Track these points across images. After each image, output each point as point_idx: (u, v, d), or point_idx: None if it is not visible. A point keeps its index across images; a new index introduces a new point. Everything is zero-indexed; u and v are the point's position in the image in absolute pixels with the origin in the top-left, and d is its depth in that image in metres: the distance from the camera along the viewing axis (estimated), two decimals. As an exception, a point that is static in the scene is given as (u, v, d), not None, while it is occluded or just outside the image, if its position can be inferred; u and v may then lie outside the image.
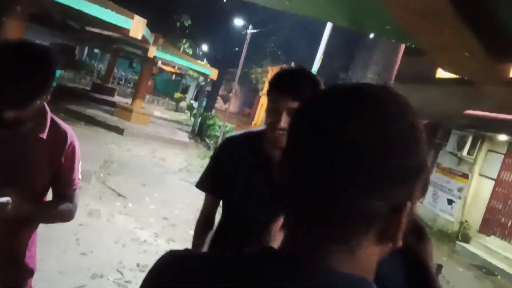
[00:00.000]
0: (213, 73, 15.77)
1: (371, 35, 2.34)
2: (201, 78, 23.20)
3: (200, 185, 1.85)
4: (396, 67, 5.71)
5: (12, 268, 1.59)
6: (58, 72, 16.35)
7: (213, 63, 18.61)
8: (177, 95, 30.09)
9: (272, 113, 1.56)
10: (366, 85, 0.62)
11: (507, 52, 1.71)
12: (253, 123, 28.73)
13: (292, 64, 23.78)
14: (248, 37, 12.56)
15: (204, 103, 19.35)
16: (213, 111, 19.73)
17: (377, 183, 0.55)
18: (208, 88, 20.63)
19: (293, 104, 1.51)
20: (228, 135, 1.88)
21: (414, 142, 0.58)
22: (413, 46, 2.14)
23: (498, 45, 1.65)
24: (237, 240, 1.61)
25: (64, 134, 1.57)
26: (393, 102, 0.60)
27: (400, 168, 0.56)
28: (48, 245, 3.96)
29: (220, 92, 25.46)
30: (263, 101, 29.00)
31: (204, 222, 1.87)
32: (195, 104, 22.75)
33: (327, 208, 0.57)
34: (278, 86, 1.58)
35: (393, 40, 2.46)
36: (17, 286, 1.62)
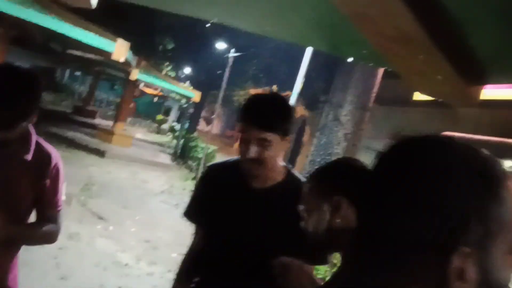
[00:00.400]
0: (196, 96, 15.84)
1: (349, 59, 2.43)
2: (184, 100, 23.24)
3: (187, 215, 1.81)
4: (375, 89, 5.85)
5: None
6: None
7: (195, 85, 18.71)
8: (159, 117, 30.02)
9: (242, 143, 1.53)
10: (431, 136, 0.67)
11: (477, 75, 1.80)
12: (235, 144, 28.78)
13: (274, 87, 24.03)
14: (230, 60, 12.71)
15: (186, 125, 19.35)
16: (196, 133, 19.73)
17: (419, 212, 0.58)
18: (191, 110, 20.67)
19: (262, 135, 1.48)
20: (209, 164, 1.87)
21: (474, 188, 0.59)
22: (389, 69, 2.23)
23: (469, 69, 1.74)
24: (217, 265, 1.62)
25: (48, 156, 1.59)
26: (459, 150, 0.63)
27: (443, 205, 0.58)
28: (28, 268, 3.89)
29: (203, 114, 25.53)
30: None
31: (193, 259, 1.79)
32: (178, 126, 22.73)
33: (379, 237, 0.62)
34: (247, 116, 1.53)
35: (370, 64, 2.56)
36: None
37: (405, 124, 12.46)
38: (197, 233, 1.82)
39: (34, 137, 1.56)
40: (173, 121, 32.52)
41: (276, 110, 1.53)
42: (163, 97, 33.84)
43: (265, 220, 1.58)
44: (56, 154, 1.63)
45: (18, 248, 1.62)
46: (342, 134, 5.80)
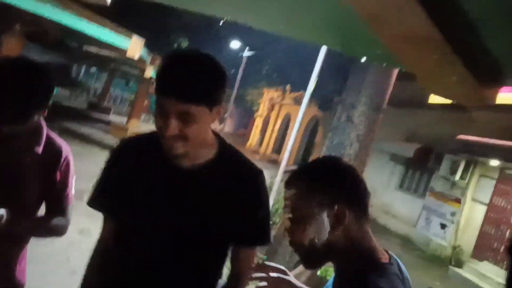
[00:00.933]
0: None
1: (363, 59, 2.40)
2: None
3: (92, 203, 1.45)
4: (389, 91, 5.79)
5: (2, 282, 1.59)
6: (56, 90, 16.44)
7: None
8: (173, 115, 30.15)
9: (159, 117, 1.21)
10: None
11: (492, 77, 1.77)
12: (247, 144, 28.81)
13: (287, 87, 23.98)
14: (244, 60, 12.72)
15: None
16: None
17: None
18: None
19: (184, 108, 1.17)
20: (123, 138, 1.52)
21: None
22: (403, 70, 2.21)
23: (484, 71, 1.71)
24: (133, 265, 1.35)
25: (59, 150, 1.60)
26: None
27: None
28: (38, 263, 3.93)
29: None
30: (258, 122, 29.12)
31: (102, 256, 1.47)
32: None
33: None
34: (164, 84, 1.20)
35: (384, 65, 2.54)
36: None
37: (420, 126, 12.36)
38: (106, 225, 1.49)
39: (45, 131, 1.57)
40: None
41: (201, 75, 1.19)
42: (177, 95, 33.99)
43: (195, 206, 1.32)
44: (67, 147, 1.64)
45: (27, 241, 1.64)
46: (355, 135, 5.75)
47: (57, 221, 1.63)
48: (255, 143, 28.15)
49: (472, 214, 11.00)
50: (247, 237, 1.38)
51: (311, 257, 1.13)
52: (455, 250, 10.61)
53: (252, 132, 29.68)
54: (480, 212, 10.82)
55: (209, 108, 1.22)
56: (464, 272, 9.79)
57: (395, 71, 5.63)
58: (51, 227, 1.63)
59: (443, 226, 11.23)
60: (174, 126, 1.18)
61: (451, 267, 9.99)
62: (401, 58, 1.91)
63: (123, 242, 1.37)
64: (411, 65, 1.90)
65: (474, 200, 11.10)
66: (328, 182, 1.11)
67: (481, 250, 10.46)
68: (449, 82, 1.85)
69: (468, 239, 10.73)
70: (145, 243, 1.33)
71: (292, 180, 1.15)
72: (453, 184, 11.26)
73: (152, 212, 1.32)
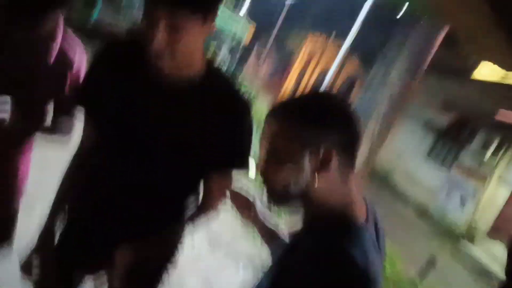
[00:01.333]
0: (249, 32, 15.65)
1: (404, 7, 2.26)
2: (235, 41, 23.02)
3: (78, 100, 1.42)
4: (430, 55, 5.53)
5: (1, 189, 1.62)
6: (98, 11, 16.54)
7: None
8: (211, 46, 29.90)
9: (147, 26, 1.11)
10: None
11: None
12: (281, 91, 28.58)
13: (333, 35, 23.28)
14: (286, 7, 12.34)
15: (233, 67, 19.25)
16: (242, 74, 19.65)
17: None
18: (241, 46, 20.45)
19: (174, 18, 1.07)
20: (109, 41, 1.42)
21: None
22: (437, 22, 2.09)
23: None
24: (107, 182, 1.32)
25: (71, 61, 1.56)
26: None
27: None
28: (44, 170, 4.07)
29: (252, 56, 25.30)
30: (295, 72, 28.70)
31: (79, 166, 1.40)
32: (227, 62, 22.67)
33: None
34: None
35: (425, 16, 2.38)
36: (4, 203, 1.65)
37: (458, 96, 11.93)
38: (85, 131, 1.40)
39: (59, 41, 1.53)
40: (225, 56, 32.41)
41: None
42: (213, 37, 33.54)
43: (176, 123, 1.25)
44: (81, 59, 1.59)
45: (31, 145, 1.66)
46: (388, 94, 5.59)
47: (63, 120, 1.63)
48: (289, 92, 27.89)
49: (495, 194, 10.78)
50: (223, 159, 1.33)
51: (279, 199, 0.98)
52: (470, 227, 10.51)
53: (287, 80, 29.36)
54: (504, 193, 10.59)
55: (202, 18, 1.11)
56: (476, 250, 9.73)
57: (440, 35, 5.37)
58: (56, 124, 1.63)
59: (463, 202, 11.08)
60: (162, 37, 1.08)
61: (463, 243, 9.94)
62: (441, 10, 1.80)
63: (102, 156, 1.33)
64: (451, 18, 1.79)
65: (500, 180, 10.83)
66: (317, 119, 0.92)
67: (497, 231, 10.33)
68: (487, 43, 1.74)
69: (486, 218, 10.59)
70: (122, 159, 1.30)
71: (274, 114, 0.97)
72: (482, 161, 10.98)
73: (131, 126, 1.26)
